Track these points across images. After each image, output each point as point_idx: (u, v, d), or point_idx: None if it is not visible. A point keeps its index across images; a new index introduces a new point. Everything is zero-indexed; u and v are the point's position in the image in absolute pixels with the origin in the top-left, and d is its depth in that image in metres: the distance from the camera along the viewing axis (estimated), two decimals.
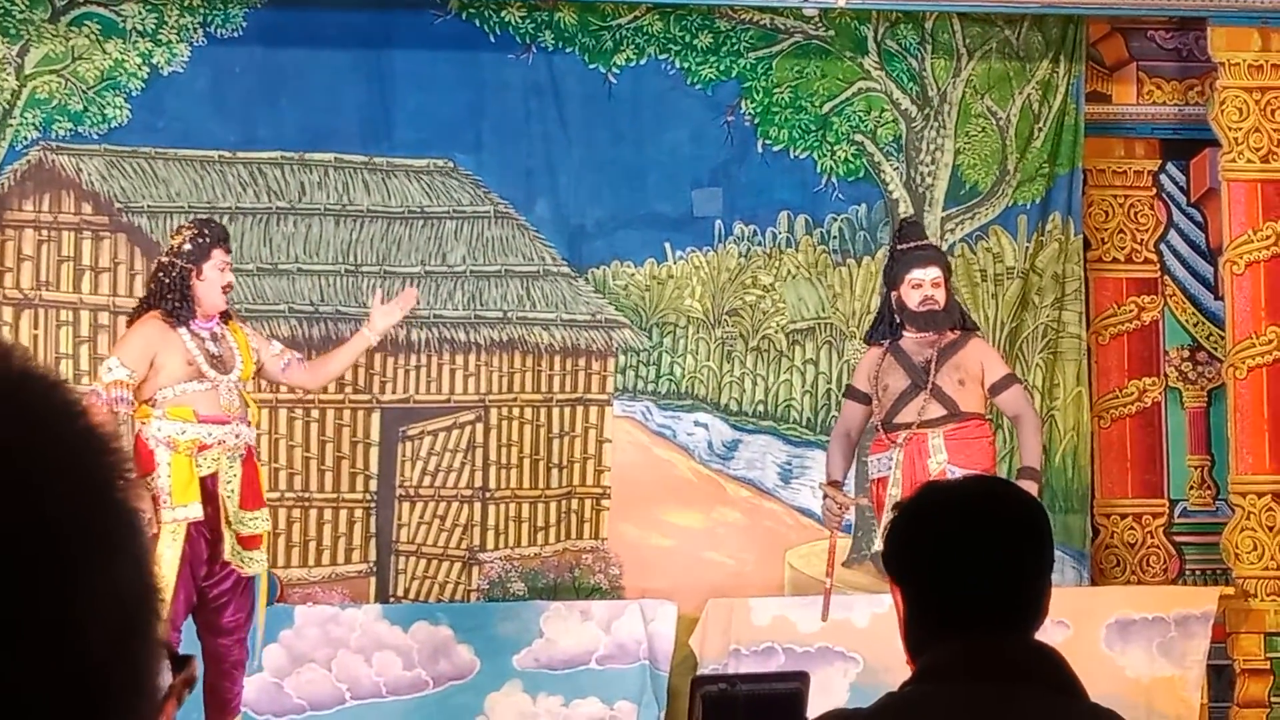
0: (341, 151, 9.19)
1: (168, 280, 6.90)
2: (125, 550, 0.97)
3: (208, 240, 6.93)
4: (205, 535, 6.82)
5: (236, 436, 6.89)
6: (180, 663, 1.05)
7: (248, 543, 6.89)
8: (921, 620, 2.44)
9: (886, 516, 7.20)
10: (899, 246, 7.64)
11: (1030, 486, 6.87)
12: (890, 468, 7.37)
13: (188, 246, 6.91)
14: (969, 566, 2.39)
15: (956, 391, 7.42)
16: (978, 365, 7.50)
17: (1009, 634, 2.39)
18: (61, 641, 0.93)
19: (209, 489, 6.80)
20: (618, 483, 9.25)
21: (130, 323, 7.08)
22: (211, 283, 6.88)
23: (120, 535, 0.97)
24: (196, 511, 6.74)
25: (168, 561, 6.70)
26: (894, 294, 7.58)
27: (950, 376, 7.44)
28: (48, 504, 0.94)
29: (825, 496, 7.60)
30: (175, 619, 6.73)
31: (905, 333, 7.52)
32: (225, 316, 7.05)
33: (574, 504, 9.23)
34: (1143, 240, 9.96)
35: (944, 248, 9.33)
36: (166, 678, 1.02)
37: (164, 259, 7.01)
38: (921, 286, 7.46)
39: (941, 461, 7.23)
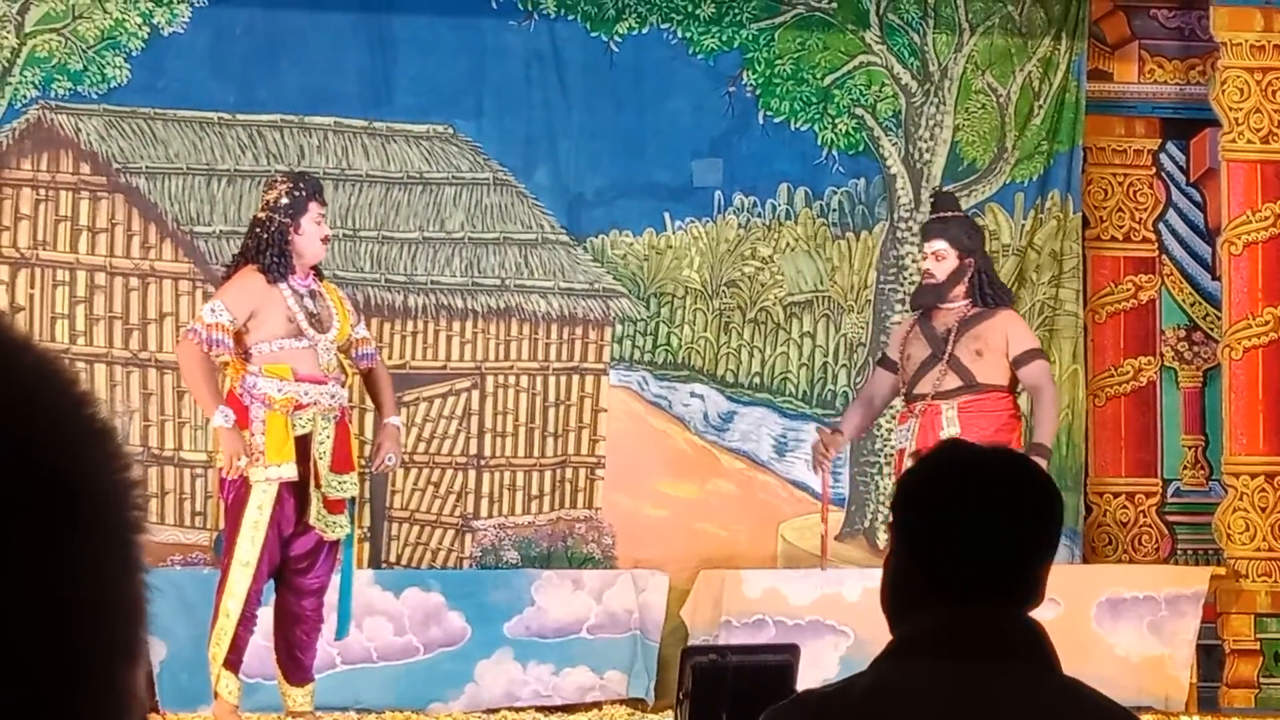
0: (341, 115, 9.17)
1: (266, 235, 6.82)
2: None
3: (304, 194, 6.87)
4: (294, 495, 6.75)
5: (332, 397, 6.83)
6: None
7: (333, 506, 6.79)
8: (912, 579, 2.33)
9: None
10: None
11: (1039, 463, 6.85)
12: (908, 439, 7.39)
13: (284, 201, 6.83)
14: (973, 530, 2.29)
15: (974, 362, 7.40)
16: (1001, 337, 7.46)
17: (1002, 609, 2.30)
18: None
19: (303, 449, 6.72)
20: (612, 452, 9.24)
21: (227, 276, 6.98)
22: (310, 236, 6.83)
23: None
24: (290, 471, 6.67)
25: (255, 520, 6.66)
26: None
27: (968, 347, 7.42)
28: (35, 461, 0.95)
29: (818, 431, 7.65)
30: (258, 578, 6.68)
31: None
32: (319, 275, 7.00)
33: (568, 473, 9.24)
34: (1141, 219, 9.96)
35: None
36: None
37: (260, 214, 6.91)
38: (926, 260, 7.50)
39: (953, 434, 7.22)
